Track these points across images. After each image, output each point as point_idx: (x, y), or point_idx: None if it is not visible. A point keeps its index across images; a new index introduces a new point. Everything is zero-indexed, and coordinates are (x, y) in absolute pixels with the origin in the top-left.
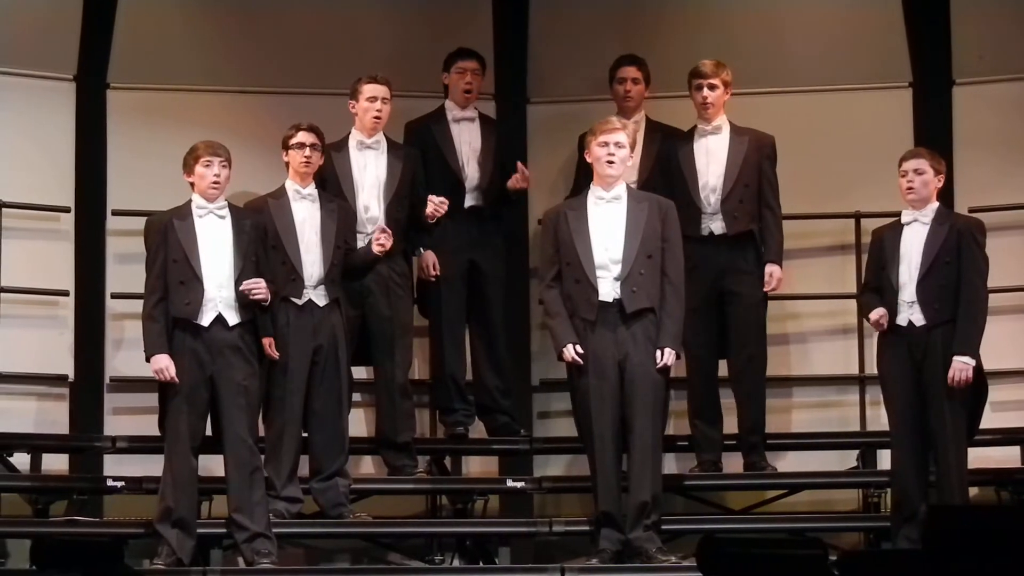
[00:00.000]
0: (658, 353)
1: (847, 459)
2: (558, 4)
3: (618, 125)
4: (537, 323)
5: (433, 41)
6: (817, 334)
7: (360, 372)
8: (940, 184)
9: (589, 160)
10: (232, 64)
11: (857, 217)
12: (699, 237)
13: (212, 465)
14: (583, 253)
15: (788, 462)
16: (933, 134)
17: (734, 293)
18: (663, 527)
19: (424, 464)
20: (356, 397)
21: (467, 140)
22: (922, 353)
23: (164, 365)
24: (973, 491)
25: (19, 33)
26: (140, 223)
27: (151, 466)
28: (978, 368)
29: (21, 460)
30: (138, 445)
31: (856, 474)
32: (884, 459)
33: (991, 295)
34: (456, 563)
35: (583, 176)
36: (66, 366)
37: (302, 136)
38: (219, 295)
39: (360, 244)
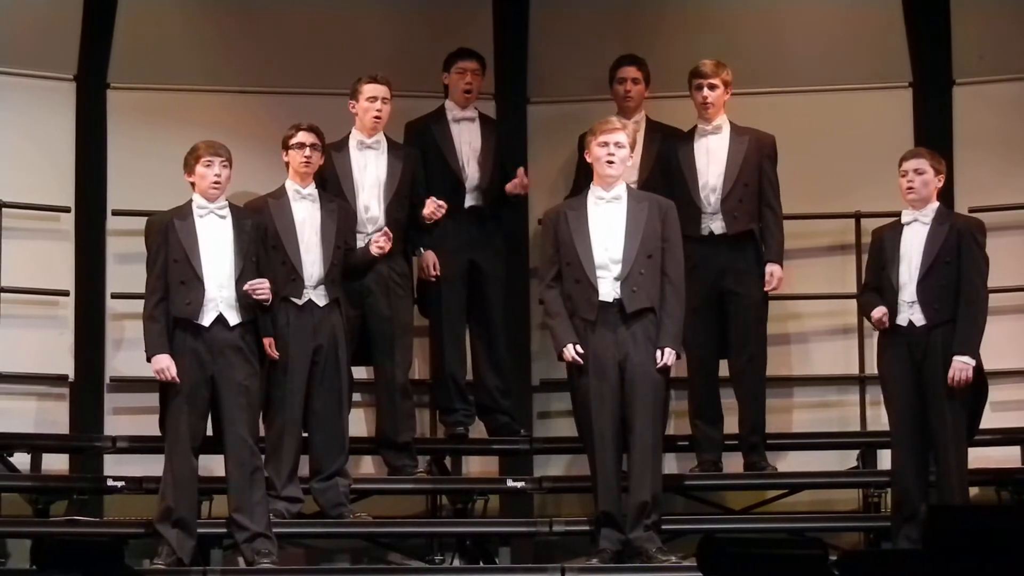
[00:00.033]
0: (658, 353)
1: (847, 459)
2: (558, 4)
3: (618, 125)
4: (537, 323)
5: (433, 41)
6: (817, 334)
7: (360, 372)
8: (940, 184)
9: (589, 160)
10: (232, 64)
11: (857, 217)
12: (699, 237)
13: (212, 465)
14: (583, 253)
15: (788, 462)
16: (933, 134)
17: (734, 293)
18: (663, 527)
19: (424, 464)
20: (356, 397)
21: (467, 140)
22: (922, 353)
23: (165, 365)
24: (973, 491)
25: (19, 33)
26: (140, 223)
27: (151, 466)
28: (978, 368)
29: (21, 460)
30: (138, 445)
31: (856, 474)
32: (884, 459)
33: (991, 295)
34: (456, 563)
35: (583, 176)
36: (66, 366)
37: (302, 136)
38: (220, 295)
39: (360, 244)
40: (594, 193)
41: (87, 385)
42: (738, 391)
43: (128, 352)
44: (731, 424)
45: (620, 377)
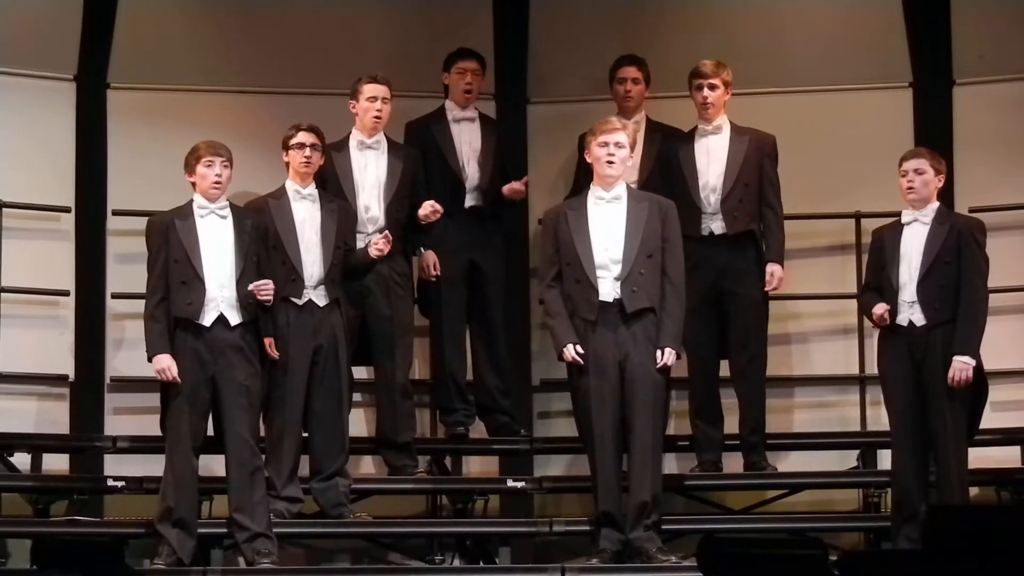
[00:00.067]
0: (658, 353)
1: (847, 459)
2: (558, 4)
3: (618, 125)
4: (537, 323)
5: (433, 41)
6: (817, 334)
7: (360, 372)
8: (940, 184)
9: (589, 160)
10: (232, 64)
11: (857, 217)
12: (699, 237)
13: (213, 465)
14: (583, 253)
15: (788, 462)
16: (933, 134)
17: (734, 293)
18: (663, 527)
19: (424, 464)
20: (356, 397)
21: (467, 140)
22: (922, 353)
23: (166, 365)
24: (973, 491)
25: (19, 33)
26: (140, 223)
27: (152, 466)
28: (978, 368)
29: (21, 460)
30: (139, 445)
31: (856, 474)
32: (884, 459)
33: (991, 295)
34: (456, 563)
35: (583, 176)
36: (66, 366)
37: (302, 136)
38: (220, 295)
39: (360, 244)
40: (594, 193)
41: (87, 385)
42: (738, 391)
43: (128, 352)
44: (731, 424)
45: (620, 377)
